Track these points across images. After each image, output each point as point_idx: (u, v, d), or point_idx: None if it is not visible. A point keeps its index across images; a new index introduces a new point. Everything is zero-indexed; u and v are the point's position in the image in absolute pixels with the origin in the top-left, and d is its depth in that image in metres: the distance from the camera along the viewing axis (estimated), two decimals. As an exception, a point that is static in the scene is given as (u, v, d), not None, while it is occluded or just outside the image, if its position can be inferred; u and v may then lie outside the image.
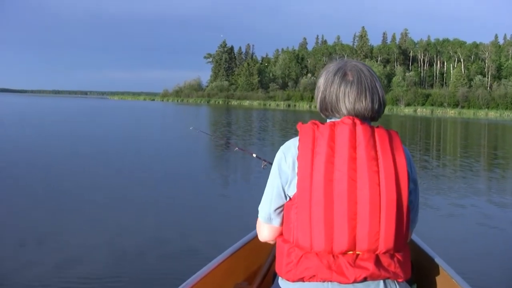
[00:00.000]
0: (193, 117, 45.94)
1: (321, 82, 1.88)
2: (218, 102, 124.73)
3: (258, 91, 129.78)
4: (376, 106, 1.80)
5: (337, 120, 1.80)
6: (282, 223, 1.88)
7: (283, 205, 1.85)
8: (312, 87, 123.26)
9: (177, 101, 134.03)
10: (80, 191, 8.40)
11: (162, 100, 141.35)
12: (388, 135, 1.75)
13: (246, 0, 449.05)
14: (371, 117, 1.82)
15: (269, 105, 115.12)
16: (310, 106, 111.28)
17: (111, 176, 10.06)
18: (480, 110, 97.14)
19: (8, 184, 8.92)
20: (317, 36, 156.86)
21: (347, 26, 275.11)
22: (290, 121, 40.84)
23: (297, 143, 1.79)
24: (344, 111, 1.79)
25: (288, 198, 1.83)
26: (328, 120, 1.87)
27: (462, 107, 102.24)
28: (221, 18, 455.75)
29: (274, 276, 1.98)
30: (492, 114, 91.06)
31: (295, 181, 1.77)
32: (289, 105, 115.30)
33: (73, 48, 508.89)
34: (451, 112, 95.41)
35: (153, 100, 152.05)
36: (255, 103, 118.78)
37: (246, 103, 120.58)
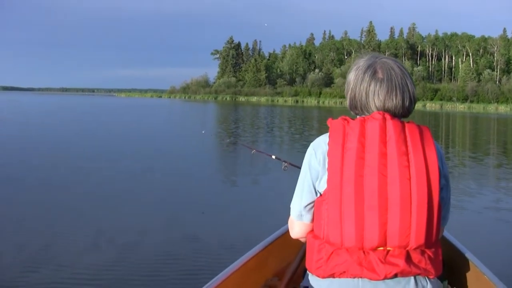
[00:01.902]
0: (202, 114, 45.80)
1: (351, 78, 1.86)
2: (226, 99, 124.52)
3: (265, 87, 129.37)
4: (407, 104, 1.79)
5: (367, 115, 1.78)
6: (312, 220, 1.88)
7: (313, 202, 1.85)
8: (320, 82, 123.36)
9: (184, 97, 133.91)
10: (94, 194, 8.20)
11: (169, 97, 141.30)
12: (419, 130, 1.74)
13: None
14: (402, 114, 1.81)
15: (277, 101, 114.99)
16: (318, 102, 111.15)
17: (126, 180, 9.89)
18: (489, 104, 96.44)
19: (20, 185, 8.80)
20: (324, 31, 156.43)
21: (354, 21, 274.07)
22: (301, 117, 40.64)
23: (327, 139, 1.79)
24: (374, 109, 1.78)
25: (318, 194, 1.83)
26: (358, 116, 1.86)
27: (471, 101, 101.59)
28: (228, 14, 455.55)
29: (304, 272, 1.98)
30: (502, 108, 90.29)
31: (325, 177, 1.77)
32: (297, 101, 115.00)
33: (79, 46, 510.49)
34: (460, 107, 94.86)
35: (160, 97, 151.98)
36: (263, 99, 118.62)
37: (254, 99, 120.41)
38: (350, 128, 1.73)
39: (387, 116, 1.73)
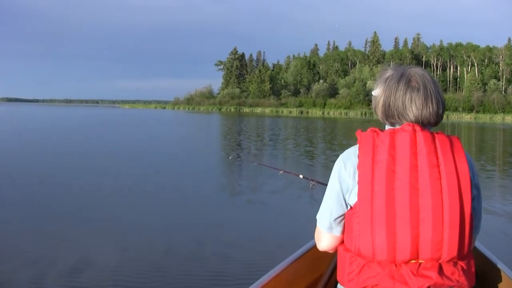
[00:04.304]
0: (209, 126, 45.42)
1: (379, 91, 1.87)
2: (230, 110, 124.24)
3: (270, 98, 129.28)
4: (441, 111, 1.81)
5: (397, 127, 1.80)
6: (342, 232, 1.89)
7: (343, 214, 1.86)
8: (324, 93, 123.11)
9: (188, 109, 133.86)
10: (116, 214, 7.67)
11: (173, 108, 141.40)
12: (449, 140, 1.74)
13: (257, 8, 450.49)
14: (435, 122, 1.82)
15: (282, 112, 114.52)
16: (322, 113, 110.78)
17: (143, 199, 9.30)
18: (496, 114, 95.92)
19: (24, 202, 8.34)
20: (329, 42, 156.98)
21: (358, 31, 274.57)
22: (309, 128, 40.25)
23: (356, 151, 1.80)
24: (411, 117, 1.78)
25: (348, 207, 1.84)
26: (387, 127, 1.88)
27: (477, 111, 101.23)
28: (231, 25, 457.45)
29: (336, 285, 1.99)
30: (509, 118, 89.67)
31: (355, 189, 1.78)
32: (301, 112, 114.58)
33: (83, 57, 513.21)
34: (467, 117, 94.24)
35: (164, 108, 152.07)
36: (267, 110, 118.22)
37: (258, 110, 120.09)
38: (380, 140, 1.73)
39: (417, 128, 1.73)
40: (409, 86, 1.79)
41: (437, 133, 1.76)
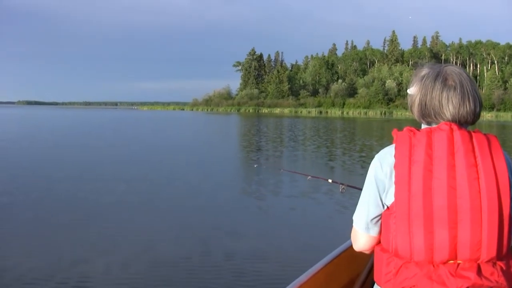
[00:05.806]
0: (228, 127, 45.60)
1: (415, 89, 1.85)
2: (249, 110, 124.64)
3: (288, 98, 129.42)
4: (478, 109, 1.78)
5: (434, 126, 1.78)
6: (379, 232, 1.87)
7: (380, 214, 1.84)
8: (343, 93, 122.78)
9: (207, 110, 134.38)
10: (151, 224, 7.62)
11: (192, 110, 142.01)
12: (486, 139, 1.72)
13: (274, 8, 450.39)
14: (473, 121, 1.80)
15: (301, 112, 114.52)
16: (342, 113, 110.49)
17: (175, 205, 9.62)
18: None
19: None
20: (347, 41, 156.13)
21: (376, 31, 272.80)
22: (328, 128, 40.35)
23: (393, 151, 1.77)
24: (448, 116, 1.76)
25: (385, 207, 1.82)
26: (423, 126, 1.86)
27: (498, 110, 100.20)
28: (249, 26, 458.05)
29: (372, 285, 1.97)
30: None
31: (392, 189, 1.76)
32: (320, 112, 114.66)
33: (102, 60, 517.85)
34: (487, 116, 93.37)
35: (183, 109, 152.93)
36: (286, 110, 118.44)
37: (277, 110, 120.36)
38: (417, 139, 1.71)
39: (454, 127, 1.71)
40: (445, 84, 1.77)
41: (474, 131, 1.73)
